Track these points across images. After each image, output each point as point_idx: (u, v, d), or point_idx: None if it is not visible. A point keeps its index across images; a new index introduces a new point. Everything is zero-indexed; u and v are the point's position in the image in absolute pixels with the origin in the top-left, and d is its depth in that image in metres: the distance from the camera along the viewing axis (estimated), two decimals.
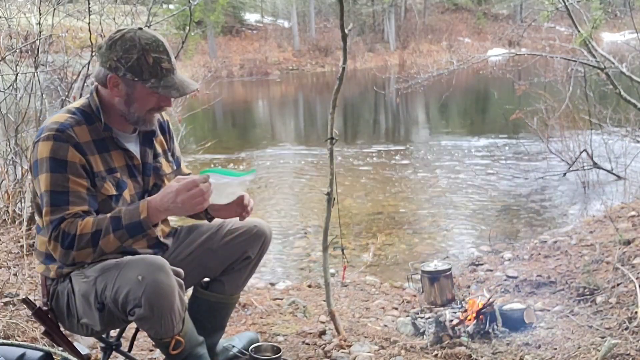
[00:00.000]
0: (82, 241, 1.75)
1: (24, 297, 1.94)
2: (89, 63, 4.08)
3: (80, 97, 4.13)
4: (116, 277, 1.76)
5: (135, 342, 2.29)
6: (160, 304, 1.75)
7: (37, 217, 1.91)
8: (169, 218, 2.08)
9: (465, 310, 2.84)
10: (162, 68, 1.82)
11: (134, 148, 1.97)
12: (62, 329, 1.97)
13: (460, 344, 2.55)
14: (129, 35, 1.81)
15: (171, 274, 1.79)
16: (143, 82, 1.81)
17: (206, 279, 2.24)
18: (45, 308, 1.94)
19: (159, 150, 2.07)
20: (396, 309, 3.29)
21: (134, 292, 1.72)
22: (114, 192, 1.88)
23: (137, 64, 1.80)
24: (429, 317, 2.87)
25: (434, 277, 3.13)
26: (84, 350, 2.24)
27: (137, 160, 1.96)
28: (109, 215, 1.79)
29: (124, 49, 1.79)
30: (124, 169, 1.93)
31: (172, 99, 1.91)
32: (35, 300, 2.13)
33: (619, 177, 6.38)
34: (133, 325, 2.09)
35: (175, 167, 2.15)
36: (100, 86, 1.89)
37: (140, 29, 1.85)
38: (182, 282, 1.86)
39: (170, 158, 2.13)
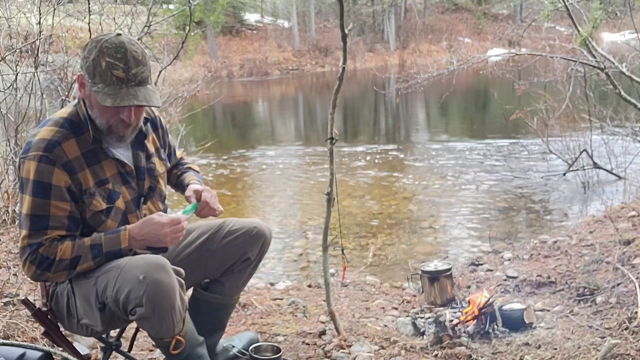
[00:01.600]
0: (60, 265, 1.79)
1: (23, 297, 1.94)
2: None
3: None
4: (117, 277, 1.76)
5: (135, 342, 2.29)
6: (161, 303, 1.75)
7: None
8: None
9: (466, 311, 2.84)
10: (112, 75, 1.73)
11: (125, 154, 1.94)
12: (61, 329, 1.97)
13: (460, 344, 2.55)
14: (99, 37, 1.79)
15: (172, 273, 1.79)
16: (93, 85, 1.76)
17: (206, 280, 2.24)
18: (44, 309, 1.94)
19: (152, 149, 2.05)
20: (396, 309, 3.29)
21: (135, 291, 1.72)
22: (104, 207, 1.86)
23: (92, 65, 1.75)
24: (429, 317, 2.87)
25: (434, 277, 3.12)
26: (83, 351, 2.24)
27: (129, 166, 1.94)
28: (88, 243, 1.81)
29: (88, 49, 1.78)
30: (116, 177, 1.91)
31: (132, 114, 1.82)
32: (35, 300, 2.13)
33: (619, 177, 6.38)
34: (133, 325, 2.10)
35: (168, 165, 2.14)
36: None
37: (119, 34, 1.80)
38: (183, 281, 1.86)
39: (164, 155, 2.11)
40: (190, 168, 2.25)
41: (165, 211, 2.08)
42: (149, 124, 2.06)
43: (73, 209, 1.81)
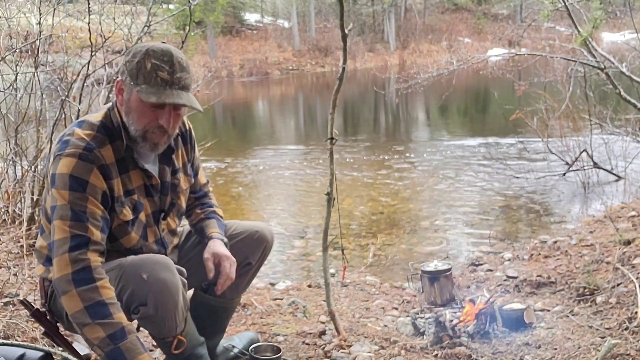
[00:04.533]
0: (88, 294, 1.65)
1: (21, 298, 1.94)
2: (88, 63, 4.07)
3: (80, 97, 4.16)
4: (120, 276, 1.76)
5: None
6: (165, 301, 1.75)
7: (43, 221, 1.87)
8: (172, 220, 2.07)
9: (465, 310, 2.84)
10: (157, 76, 1.73)
11: (152, 167, 1.91)
12: (61, 329, 1.97)
13: (460, 344, 2.55)
14: (145, 44, 1.79)
15: (176, 272, 1.79)
16: (135, 86, 1.75)
17: (206, 283, 2.23)
18: (43, 309, 1.93)
19: (179, 165, 2.02)
20: (396, 309, 3.29)
21: (138, 290, 1.73)
22: (131, 217, 1.85)
23: (136, 67, 1.74)
24: (429, 317, 2.87)
25: (434, 277, 3.12)
26: (83, 351, 2.23)
27: (155, 179, 1.91)
28: (117, 344, 1.64)
29: (132, 53, 1.77)
30: (141, 188, 1.89)
31: (171, 120, 1.79)
32: (34, 300, 2.13)
33: (619, 177, 6.38)
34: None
35: (192, 180, 2.11)
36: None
37: (164, 42, 1.80)
38: (186, 281, 1.86)
39: (190, 170, 2.09)
40: (215, 213, 2.17)
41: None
42: (179, 138, 2.03)
43: (105, 214, 1.77)
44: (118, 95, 1.81)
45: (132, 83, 1.75)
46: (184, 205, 2.07)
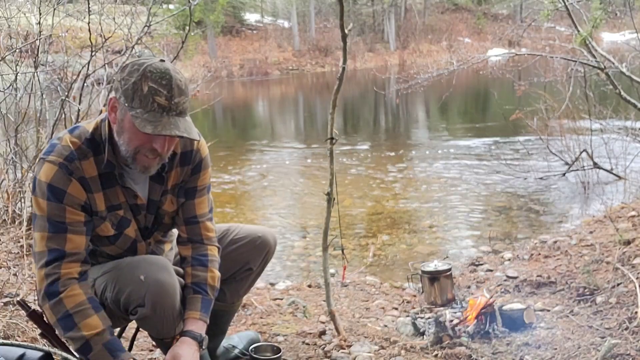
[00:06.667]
0: (58, 307, 1.70)
1: (19, 299, 1.94)
2: (88, 63, 4.08)
3: (80, 97, 4.16)
4: (117, 278, 1.76)
5: (135, 342, 2.29)
6: (163, 303, 1.75)
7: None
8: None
9: (466, 310, 2.84)
10: (154, 101, 1.62)
11: (141, 184, 1.85)
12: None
13: (460, 344, 2.55)
14: (142, 61, 1.66)
15: (173, 273, 1.79)
16: (130, 110, 1.64)
17: None
18: (40, 310, 1.93)
19: (170, 184, 1.92)
20: (396, 309, 3.29)
21: (136, 291, 1.72)
22: (112, 233, 1.82)
23: (132, 88, 1.63)
24: (429, 317, 2.87)
25: (434, 277, 3.13)
26: None
27: (140, 199, 1.85)
28: (87, 356, 1.70)
29: (129, 72, 1.65)
30: (126, 204, 1.84)
31: (166, 144, 1.70)
32: (34, 301, 2.13)
33: (619, 177, 6.38)
34: (133, 325, 2.10)
35: (182, 200, 1.96)
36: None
37: (163, 60, 1.68)
38: (183, 282, 1.86)
39: (180, 192, 1.95)
40: (205, 286, 1.92)
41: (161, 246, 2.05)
42: (177, 157, 1.90)
43: (87, 218, 1.75)
44: (111, 112, 1.71)
45: (126, 105, 1.65)
46: (170, 223, 1.99)
